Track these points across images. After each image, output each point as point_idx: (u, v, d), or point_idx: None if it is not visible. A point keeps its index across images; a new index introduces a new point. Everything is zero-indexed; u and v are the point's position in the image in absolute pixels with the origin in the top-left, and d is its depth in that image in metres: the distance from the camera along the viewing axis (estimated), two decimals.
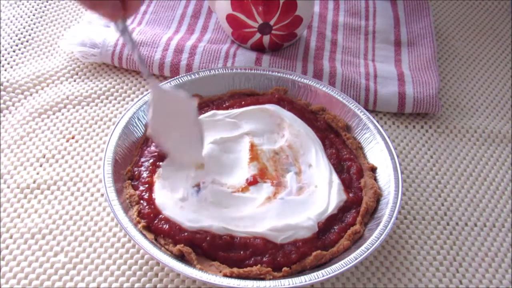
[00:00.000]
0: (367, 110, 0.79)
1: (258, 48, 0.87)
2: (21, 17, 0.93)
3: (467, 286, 0.64)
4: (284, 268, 0.59)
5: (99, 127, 0.77)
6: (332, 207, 0.64)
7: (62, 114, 0.78)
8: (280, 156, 0.70)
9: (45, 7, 0.96)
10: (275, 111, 0.74)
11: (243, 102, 0.75)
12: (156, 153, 0.68)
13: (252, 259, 0.60)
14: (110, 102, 0.81)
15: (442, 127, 0.82)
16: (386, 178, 0.68)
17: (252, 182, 0.66)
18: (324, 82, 0.81)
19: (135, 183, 0.66)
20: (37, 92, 0.81)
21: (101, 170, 0.64)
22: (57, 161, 0.72)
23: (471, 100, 0.87)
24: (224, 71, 0.79)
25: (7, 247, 0.63)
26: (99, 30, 0.87)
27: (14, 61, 0.86)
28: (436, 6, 1.06)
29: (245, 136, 0.71)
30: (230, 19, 0.84)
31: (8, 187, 0.68)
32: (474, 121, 0.84)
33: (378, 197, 0.67)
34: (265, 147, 0.70)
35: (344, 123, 0.75)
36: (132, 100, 0.81)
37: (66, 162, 0.72)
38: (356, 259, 0.59)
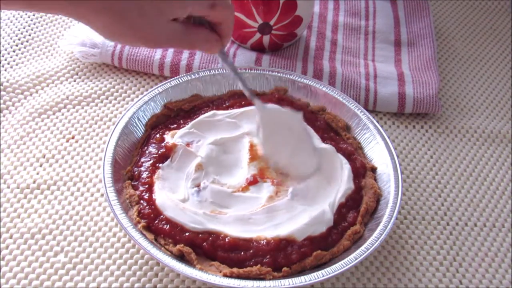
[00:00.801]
0: (367, 110, 0.79)
1: (258, 48, 0.87)
2: (21, 17, 0.93)
3: (467, 286, 0.64)
4: (284, 268, 0.59)
5: (99, 127, 0.77)
6: (340, 195, 0.65)
7: (62, 114, 0.78)
8: None
9: None
10: None
11: (243, 102, 0.75)
12: (156, 154, 0.68)
13: (253, 260, 0.59)
14: (110, 102, 0.81)
15: (442, 127, 0.82)
16: (386, 178, 0.68)
17: (252, 181, 0.66)
18: (324, 82, 0.81)
19: (135, 183, 0.66)
20: (37, 92, 0.81)
21: (101, 170, 0.64)
22: (57, 161, 0.72)
23: (471, 100, 0.87)
24: (224, 71, 0.79)
25: (7, 247, 0.63)
26: None
27: (14, 61, 0.86)
28: (436, 6, 1.06)
29: (245, 136, 0.71)
30: None
31: (8, 187, 0.68)
32: (474, 121, 0.84)
33: (378, 197, 0.67)
34: None
35: (344, 123, 0.75)
36: (132, 100, 0.81)
37: (66, 162, 0.72)
38: (356, 259, 0.59)
